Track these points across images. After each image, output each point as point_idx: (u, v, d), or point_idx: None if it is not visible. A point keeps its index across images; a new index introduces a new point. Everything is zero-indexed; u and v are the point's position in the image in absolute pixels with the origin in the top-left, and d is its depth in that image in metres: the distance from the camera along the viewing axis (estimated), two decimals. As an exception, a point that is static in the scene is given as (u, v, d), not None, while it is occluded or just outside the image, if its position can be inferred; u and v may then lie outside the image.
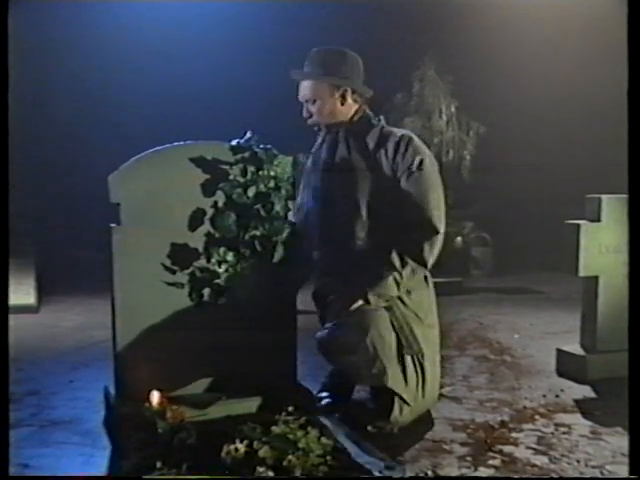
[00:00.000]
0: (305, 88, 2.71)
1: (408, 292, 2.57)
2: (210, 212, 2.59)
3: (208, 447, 2.15)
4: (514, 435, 2.56)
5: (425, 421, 2.65)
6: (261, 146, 2.65)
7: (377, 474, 2.08)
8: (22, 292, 5.32)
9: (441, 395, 2.87)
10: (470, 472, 2.22)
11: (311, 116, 2.72)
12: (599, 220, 3.29)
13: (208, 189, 2.59)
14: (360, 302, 2.49)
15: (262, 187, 2.64)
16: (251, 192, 2.63)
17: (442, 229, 2.56)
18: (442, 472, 2.21)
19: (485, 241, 7.69)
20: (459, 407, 2.91)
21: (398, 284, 2.50)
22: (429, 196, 2.54)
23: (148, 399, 2.38)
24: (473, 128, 7.13)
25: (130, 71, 7.57)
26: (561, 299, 5.65)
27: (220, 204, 2.60)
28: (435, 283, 2.74)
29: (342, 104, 2.68)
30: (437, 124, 7.05)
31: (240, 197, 2.61)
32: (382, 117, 2.75)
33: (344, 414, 2.60)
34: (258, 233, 2.63)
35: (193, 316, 2.58)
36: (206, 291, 2.60)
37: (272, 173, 2.65)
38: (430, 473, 2.20)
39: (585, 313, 3.44)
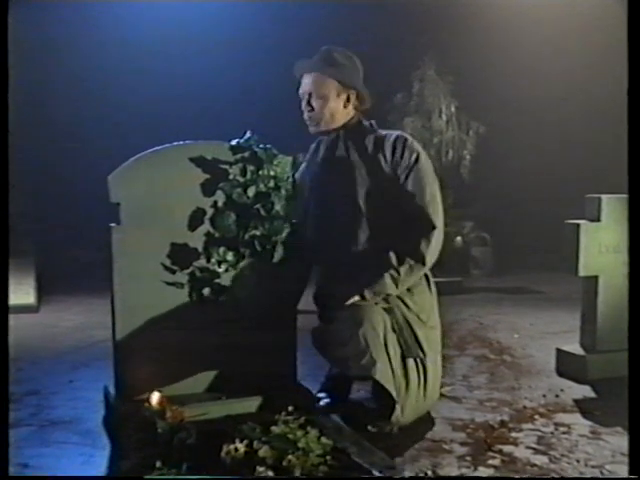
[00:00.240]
0: (310, 83, 2.66)
1: (410, 293, 2.58)
2: (210, 212, 2.59)
3: (208, 447, 2.15)
4: (514, 435, 2.56)
5: (425, 421, 2.65)
6: (261, 146, 2.64)
7: (377, 474, 2.08)
8: (22, 292, 5.32)
9: (441, 395, 2.86)
10: (470, 472, 2.21)
11: (312, 109, 2.67)
12: (599, 220, 3.29)
13: (208, 189, 2.58)
14: (356, 298, 2.49)
15: (262, 187, 2.63)
16: (251, 192, 2.62)
17: (439, 224, 2.55)
18: (442, 472, 2.21)
19: (485, 241, 7.68)
20: (459, 407, 2.91)
21: (396, 282, 2.50)
22: (425, 191, 2.55)
23: (148, 399, 2.38)
24: (473, 128, 7.14)
25: (130, 71, 7.58)
26: (561, 299, 5.63)
27: (220, 204, 2.59)
28: (435, 283, 2.74)
29: (344, 107, 2.67)
30: (437, 124, 7.06)
31: (240, 197, 2.60)
32: (374, 123, 2.74)
33: (344, 414, 2.60)
34: (258, 233, 2.63)
35: (193, 316, 2.58)
36: (206, 291, 2.60)
37: (272, 173, 2.64)
38: (430, 473, 2.20)
39: (585, 313, 3.44)
